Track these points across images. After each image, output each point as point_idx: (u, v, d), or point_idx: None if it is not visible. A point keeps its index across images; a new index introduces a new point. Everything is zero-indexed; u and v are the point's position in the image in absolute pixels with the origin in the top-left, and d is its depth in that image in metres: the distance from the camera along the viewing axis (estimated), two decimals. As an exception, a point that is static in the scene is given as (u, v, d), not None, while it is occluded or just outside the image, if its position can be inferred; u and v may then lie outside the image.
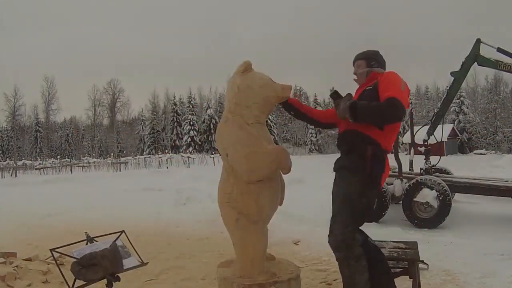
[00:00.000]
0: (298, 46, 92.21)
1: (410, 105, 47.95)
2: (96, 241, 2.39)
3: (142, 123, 55.66)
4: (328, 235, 2.53)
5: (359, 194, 2.47)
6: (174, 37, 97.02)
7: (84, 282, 2.19)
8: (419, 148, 7.08)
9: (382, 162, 2.52)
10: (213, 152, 37.03)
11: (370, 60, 2.82)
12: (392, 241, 3.24)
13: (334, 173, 2.68)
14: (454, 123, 38.45)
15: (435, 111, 7.43)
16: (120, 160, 27.89)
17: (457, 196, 7.31)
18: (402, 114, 2.40)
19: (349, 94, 2.56)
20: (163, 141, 53.70)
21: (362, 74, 2.82)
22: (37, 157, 45.97)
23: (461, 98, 39.26)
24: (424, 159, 6.89)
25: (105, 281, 2.21)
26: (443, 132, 6.90)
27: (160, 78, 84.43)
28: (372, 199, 2.58)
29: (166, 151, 43.56)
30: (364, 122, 2.49)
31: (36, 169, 23.76)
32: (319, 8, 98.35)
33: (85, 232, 2.45)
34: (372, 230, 5.46)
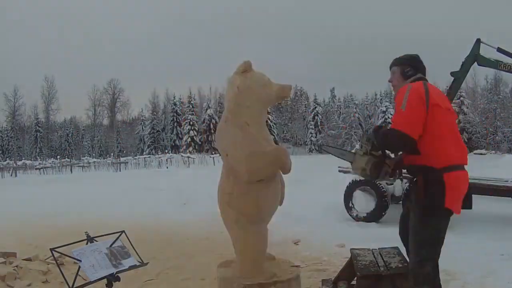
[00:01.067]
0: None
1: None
2: (96, 241, 2.39)
3: (142, 123, 55.63)
4: None
5: (422, 225, 2.38)
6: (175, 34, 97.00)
7: (84, 282, 2.19)
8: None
9: (438, 186, 2.31)
10: (213, 152, 36.99)
11: (404, 67, 2.63)
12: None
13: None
14: (454, 123, 38.43)
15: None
16: (120, 160, 27.90)
17: (457, 196, 7.30)
18: (404, 143, 2.34)
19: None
20: (163, 141, 53.69)
21: (395, 87, 2.69)
22: (37, 157, 45.95)
23: (461, 98, 39.22)
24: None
25: (105, 281, 2.21)
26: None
27: (160, 77, 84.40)
28: (439, 228, 2.40)
29: (166, 151, 43.56)
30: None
31: (36, 169, 23.74)
32: (320, 4, 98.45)
33: (85, 232, 2.45)
34: (372, 230, 5.50)
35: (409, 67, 2.62)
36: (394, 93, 2.73)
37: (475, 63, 6.58)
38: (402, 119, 2.35)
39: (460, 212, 2.45)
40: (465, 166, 2.45)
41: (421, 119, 2.33)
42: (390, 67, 2.74)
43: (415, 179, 2.53)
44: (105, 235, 2.51)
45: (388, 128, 2.51)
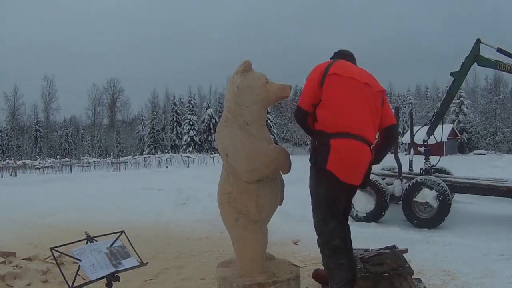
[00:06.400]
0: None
1: (410, 105, 47.97)
2: (96, 241, 2.39)
3: (142, 122, 55.61)
4: None
5: (316, 185, 2.55)
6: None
7: (84, 281, 2.19)
8: (418, 148, 7.08)
9: (323, 149, 2.42)
10: (213, 152, 37.00)
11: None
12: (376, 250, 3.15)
13: None
14: (453, 123, 38.43)
15: (435, 111, 7.43)
16: (119, 160, 27.87)
17: (457, 196, 7.30)
18: (300, 117, 2.59)
19: None
20: (163, 140, 53.66)
21: None
22: (37, 156, 45.88)
23: (461, 98, 39.21)
24: (424, 159, 6.89)
25: (104, 280, 2.21)
26: (442, 132, 6.89)
27: (160, 77, 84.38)
28: (331, 188, 2.47)
29: (166, 151, 43.52)
30: None
31: (35, 168, 23.69)
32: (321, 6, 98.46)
33: (85, 232, 2.45)
34: (372, 230, 5.50)
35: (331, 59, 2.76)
36: None
37: (475, 63, 6.58)
38: (301, 95, 2.60)
39: (359, 183, 2.50)
40: (362, 137, 2.43)
41: (312, 91, 2.50)
42: None
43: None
44: (105, 235, 2.51)
45: None
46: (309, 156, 2.65)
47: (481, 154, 32.97)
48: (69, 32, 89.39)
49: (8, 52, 71.58)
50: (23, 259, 3.87)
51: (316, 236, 2.62)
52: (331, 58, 2.81)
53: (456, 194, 7.08)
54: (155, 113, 57.23)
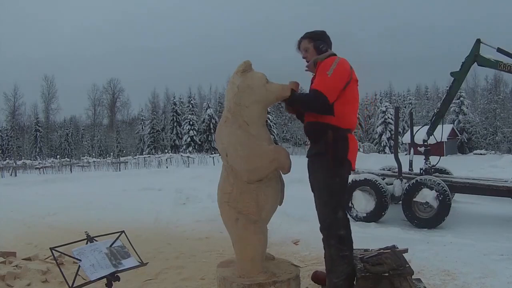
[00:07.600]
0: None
1: (410, 105, 47.98)
2: (96, 241, 2.39)
3: (142, 122, 55.57)
4: None
5: (331, 175, 2.66)
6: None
7: (84, 281, 2.19)
8: (418, 148, 7.08)
9: (344, 142, 2.68)
10: (213, 152, 37.00)
11: (318, 43, 2.84)
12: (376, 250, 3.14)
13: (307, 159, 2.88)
14: (453, 123, 38.40)
15: (435, 111, 7.44)
16: (119, 160, 27.87)
17: (457, 196, 7.30)
18: (321, 103, 2.61)
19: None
20: (163, 140, 53.62)
21: (310, 64, 2.87)
22: (37, 156, 45.86)
23: (461, 98, 39.17)
24: (424, 159, 6.89)
25: (104, 280, 2.21)
26: (442, 132, 6.90)
27: (160, 77, 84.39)
28: (345, 178, 2.74)
29: (166, 150, 43.50)
30: (300, 111, 2.87)
31: (35, 168, 23.70)
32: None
33: (85, 232, 2.46)
34: (372, 230, 5.50)
35: (323, 42, 2.86)
36: (306, 68, 2.92)
37: (475, 63, 6.58)
38: (325, 83, 2.61)
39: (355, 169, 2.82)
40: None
41: (340, 89, 2.64)
42: (299, 45, 2.93)
43: (310, 135, 2.80)
44: (105, 235, 2.51)
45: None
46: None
47: (481, 154, 32.92)
48: (71, 33, 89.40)
49: (9, 57, 71.58)
50: (23, 259, 3.87)
51: (317, 236, 2.64)
52: (324, 45, 2.85)
53: (456, 194, 7.08)
54: (155, 113, 57.20)
